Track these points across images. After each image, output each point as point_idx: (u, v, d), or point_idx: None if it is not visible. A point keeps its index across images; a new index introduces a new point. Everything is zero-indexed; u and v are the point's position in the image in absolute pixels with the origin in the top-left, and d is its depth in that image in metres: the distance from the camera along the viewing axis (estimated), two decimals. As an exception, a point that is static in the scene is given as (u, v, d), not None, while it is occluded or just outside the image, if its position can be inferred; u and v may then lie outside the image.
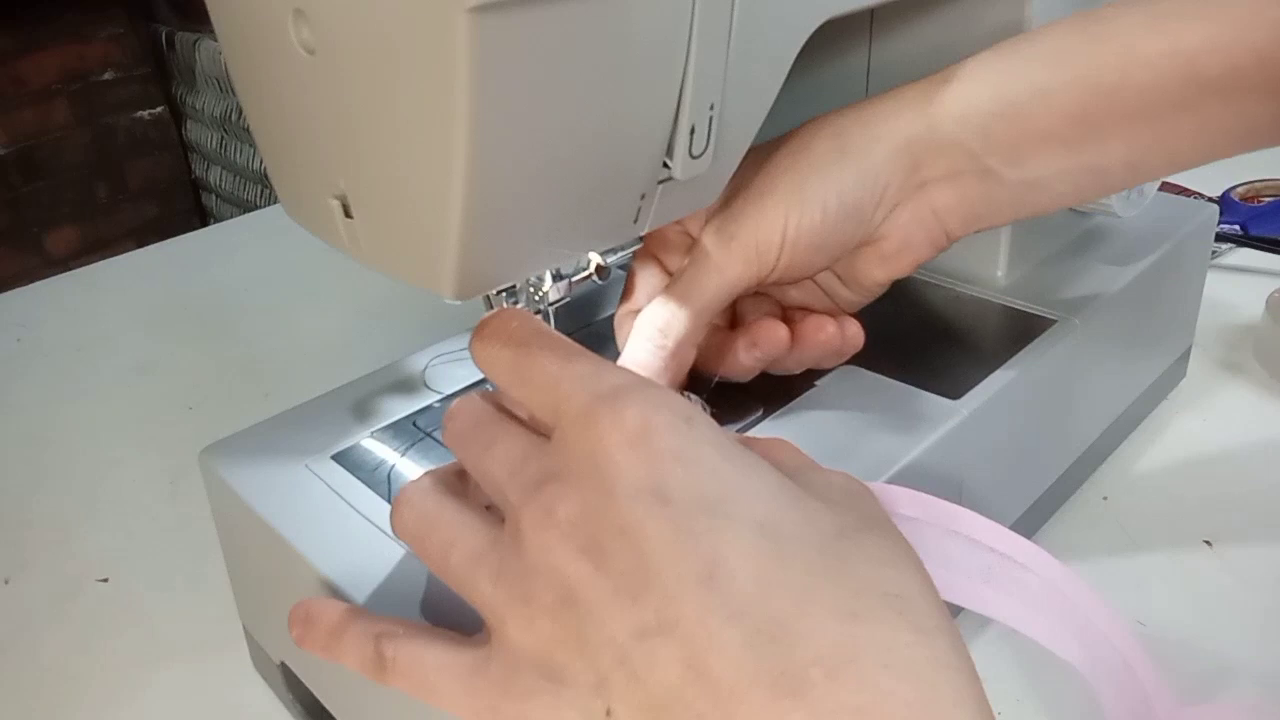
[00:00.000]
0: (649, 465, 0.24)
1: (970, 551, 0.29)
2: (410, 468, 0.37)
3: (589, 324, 0.46)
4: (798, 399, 0.39)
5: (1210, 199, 0.73)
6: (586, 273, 0.37)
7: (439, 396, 0.41)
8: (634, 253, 0.40)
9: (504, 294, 0.35)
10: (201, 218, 2.22)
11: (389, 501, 0.35)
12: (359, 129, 0.27)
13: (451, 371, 0.43)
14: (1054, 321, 0.43)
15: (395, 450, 0.38)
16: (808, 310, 0.40)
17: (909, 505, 0.29)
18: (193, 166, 2.18)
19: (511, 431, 0.27)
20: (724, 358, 0.39)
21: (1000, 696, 0.39)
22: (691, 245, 0.38)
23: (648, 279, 0.39)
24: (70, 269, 0.83)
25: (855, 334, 0.38)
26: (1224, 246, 0.70)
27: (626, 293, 0.39)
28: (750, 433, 0.37)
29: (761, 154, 0.36)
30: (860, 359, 0.40)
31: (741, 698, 0.21)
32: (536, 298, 0.36)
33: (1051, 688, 0.39)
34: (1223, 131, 0.34)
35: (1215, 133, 0.34)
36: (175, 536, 0.51)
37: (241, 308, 0.74)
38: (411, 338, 0.47)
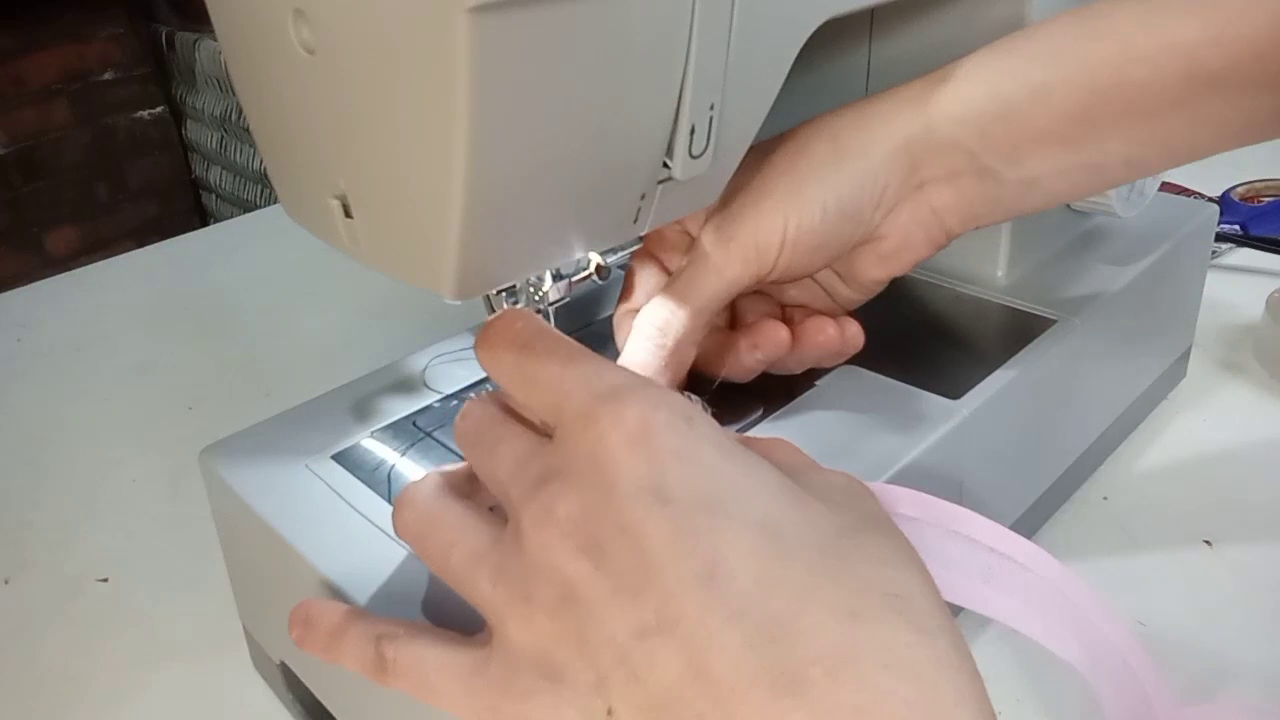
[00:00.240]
0: (649, 464, 0.24)
1: (970, 551, 0.29)
2: (410, 468, 0.37)
3: (589, 324, 0.46)
4: (798, 399, 0.39)
5: (1210, 199, 0.73)
6: (586, 273, 0.37)
7: (439, 396, 0.41)
8: (633, 252, 0.40)
9: (504, 294, 0.35)
10: (201, 218, 2.22)
11: (389, 501, 0.35)
12: (359, 129, 0.27)
13: (451, 371, 0.43)
14: (1054, 321, 0.43)
15: (395, 450, 0.38)
16: (806, 308, 0.40)
17: (909, 505, 0.29)
18: (193, 166, 2.18)
19: (516, 432, 0.27)
20: (724, 358, 0.39)
21: (1000, 696, 0.39)
22: (691, 245, 0.38)
23: (647, 278, 0.39)
24: (70, 269, 0.83)
25: (855, 334, 0.38)
26: (1224, 246, 0.69)
27: (625, 292, 0.39)
28: (750, 433, 0.37)
29: (760, 154, 0.36)
30: (860, 359, 0.40)
31: (742, 697, 0.21)
32: (536, 298, 0.36)
33: (1051, 688, 0.39)
34: (1220, 126, 0.34)
35: (1213, 128, 0.34)
36: (175, 536, 0.51)
37: (241, 308, 0.74)
38: (411, 338, 0.47)
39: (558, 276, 0.36)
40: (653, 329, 0.35)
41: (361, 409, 0.40)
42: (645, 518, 0.23)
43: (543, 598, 0.24)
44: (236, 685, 0.42)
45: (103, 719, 0.42)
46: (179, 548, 0.50)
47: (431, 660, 0.26)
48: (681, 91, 0.28)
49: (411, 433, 0.39)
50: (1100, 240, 0.49)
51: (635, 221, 0.31)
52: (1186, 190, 0.73)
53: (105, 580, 0.49)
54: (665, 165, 0.30)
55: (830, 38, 0.36)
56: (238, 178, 2.04)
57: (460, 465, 0.30)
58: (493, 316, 0.29)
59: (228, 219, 1.02)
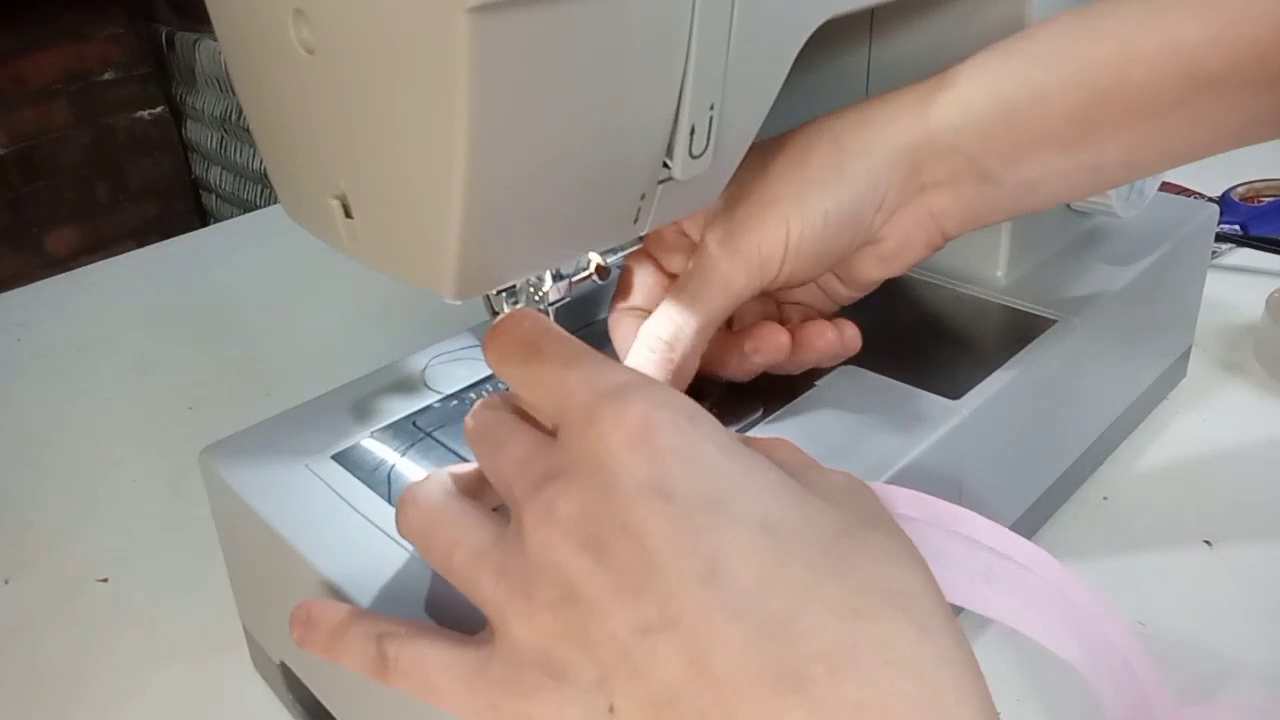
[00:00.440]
0: (651, 463, 0.24)
1: (971, 551, 0.29)
2: (410, 468, 0.37)
3: (589, 324, 0.46)
4: (798, 399, 0.39)
5: (1210, 199, 0.73)
6: (586, 273, 0.37)
7: (439, 396, 0.41)
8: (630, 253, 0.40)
9: (504, 294, 0.35)
10: (201, 218, 2.22)
11: (389, 501, 0.35)
12: (359, 129, 0.27)
13: (451, 371, 0.43)
14: (1054, 321, 0.43)
15: (395, 450, 0.38)
16: (801, 305, 0.40)
17: (909, 505, 0.29)
18: (193, 166, 2.18)
19: (523, 432, 0.27)
20: (724, 360, 0.39)
21: (1000, 696, 0.38)
22: (689, 246, 0.38)
23: (644, 277, 0.39)
24: (70, 269, 0.82)
25: (853, 337, 0.39)
26: (1224, 246, 0.70)
27: (623, 290, 0.39)
28: (750, 433, 0.37)
29: (761, 155, 0.36)
30: (860, 359, 0.40)
31: (743, 694, 0.21)
32: (536, 298, 0.36)
33: (1051, 687, 0.39)
34: (1219, 126, 0.34)
35: (1212, 128, 0.34)
36: (175, 536, 0.51)
37: (241, 308, 0.74)
38: (411, 338, 0.47)
39: (558, 276, 0.36)
40: (659, 342, 0.35)
41: (361, 409, 0.40)
42: (647, 516, 0.23)
43: (545, 596, 0.24)
44: (236, 685, 0.42)
45: (103, 719, 0.42)
46: (179, 548, 0.50)
47: (433, 659, 0.26)
48: (681, 91, 0.28)
49: (411, 433, 0.39)
50: (1100, 240, 0.49)
51: (635, 221, 0.31)
52: (1186, 190, 0.73)
53: (105, 580, 0.49)
54: (665, 165, 0.30)
55: (830, 38, 0.36)
56: (238, 178, 2.04)
57: (465, 466, 0.30)
58: (500, 317, 0.29)
59: (228, 219, 1.02)
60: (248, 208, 1.99)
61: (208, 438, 0.39)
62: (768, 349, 0.38)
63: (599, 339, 0.40)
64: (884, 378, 0.40)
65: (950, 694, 0.21)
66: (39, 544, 0.52)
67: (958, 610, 0.29)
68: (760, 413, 0.39)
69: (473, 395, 0.41)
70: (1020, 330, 0.43)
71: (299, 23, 0.26)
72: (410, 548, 0.32)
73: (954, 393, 0.38)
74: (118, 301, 0.76)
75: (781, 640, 0.21)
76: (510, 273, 0.30)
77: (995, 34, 0.37)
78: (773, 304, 0.41)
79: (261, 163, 1.42)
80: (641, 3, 0.26)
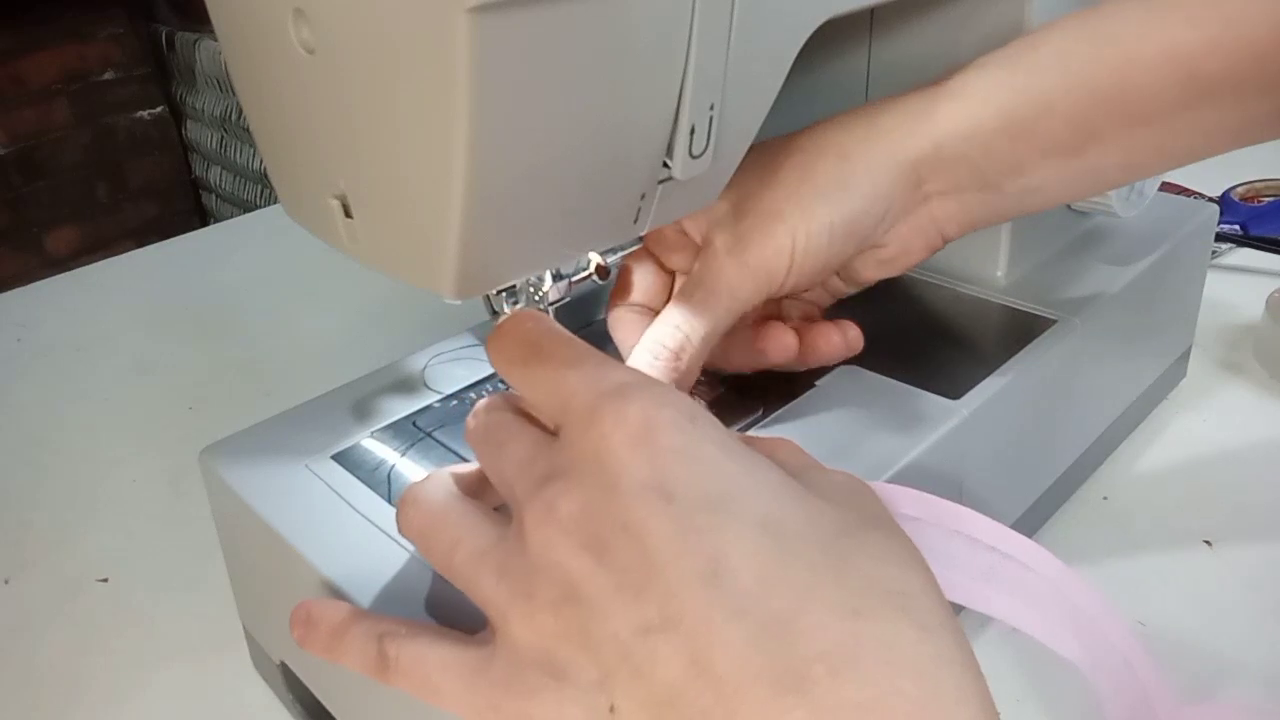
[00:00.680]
0: (652, 462, 0.24)
1: (972, 551, 0.29)
2: (410, 468, 0.37)
3: (589, 324, 0.46)
4: (798, 399, 0.39)
5: (1210, 199, 0.73)
6: (586, 273, 0.37)
7: (439, 396, 0.41)
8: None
9: (504, 294, 0.35)
10: (201, 218, 2.22)
11: (389, 501, 0.35)
12: (359, 129, 0.27)
13: (451, 371, 0.43)
14: (1054, 321, 0.43)
15: (395, 450, 0.38)
16: (799, 301, 0.41)
17: (911, 505, 0.29)
18: (193, 166, 2.18)
19: (524, 431, 0.27)
20: (727, 356, 0.39)
21: (1000, 695, 0.38)
22: (689, 243, 0.38)
23: (644, 273, 0.39)
24: (70, 269, 0.82)
25: (856, 338, 0.39)
26: (1224, 246, 0.70)
27: (622, 287, 0.39)
28: (750, 433, 0.37)
29: (766, 162, 0.36)
30: (860, 359, 0.40)
31: (744, 694, 0.21)
32: (536, 298, 0.36)
33: (1052, 687, 0.39)
34: (1218, 129, 0.35)
35: (1211, 131, 0.35)
36: (175, 536, 0.51)
37: (241, 308, 0.74)
38: (411, 338, 0.47)
39: (558, 276, 0.36)
40: (665, 350, 0.35)
41: (361, 409, 0.40)
42: (648, 516, 0.23)
43: (545, 595, 0.24)
44: (236, 685, 0.42)
45: (102, 719, 0.42)
46: (179, 548, 0.50)
47: (434, 659, 0.26)
48: (681, 91, 0.28)
49: (411, 433, 0.39)
50: (1100, 240, 0.49)
51: (635, 221, 0.31)
52: (1186, 190, 0.73)
53: (105, 580, 0.49)
54: (665, 165, 0.30)
55: (830, 38, 0.36)
56: (238, 178, 2.04)
57: (467, 466, 0.30)
58: (503, 318, 0.29)
59: (228, 219, 1.02)
60: (248, 208, 1.99)
61: (208, 438, 0.39)
62: (775, 350, 0.38)
63: (599, 339, 0.40)
64: (884, 378, 0.40)
65: (951, 694, 0.21)
66: (39, 544, 0.52)
67: (959, 609, 0.29)
68: (760, 413, 0.39)
69: (473, 395, 0.41)
70: (1020, 330, 0.43)
71: (299, 23, 0.26)
72: (410, 548, 0.32)
73: (954, 393, 0.38)
74: (118, 301, 0.76)
75: (782, 640, 0.21)
76: (510, 273, 0.30)
77: (995, 34, 0.37)
78: (774, 302, 0.41)
79: (261, 163, 1.42)
80: (641, 3, 0.26)
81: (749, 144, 0.33)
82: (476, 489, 0.29)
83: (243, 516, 0.36)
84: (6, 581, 0.49)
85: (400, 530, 0.28)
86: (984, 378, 0.39)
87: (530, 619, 0.24)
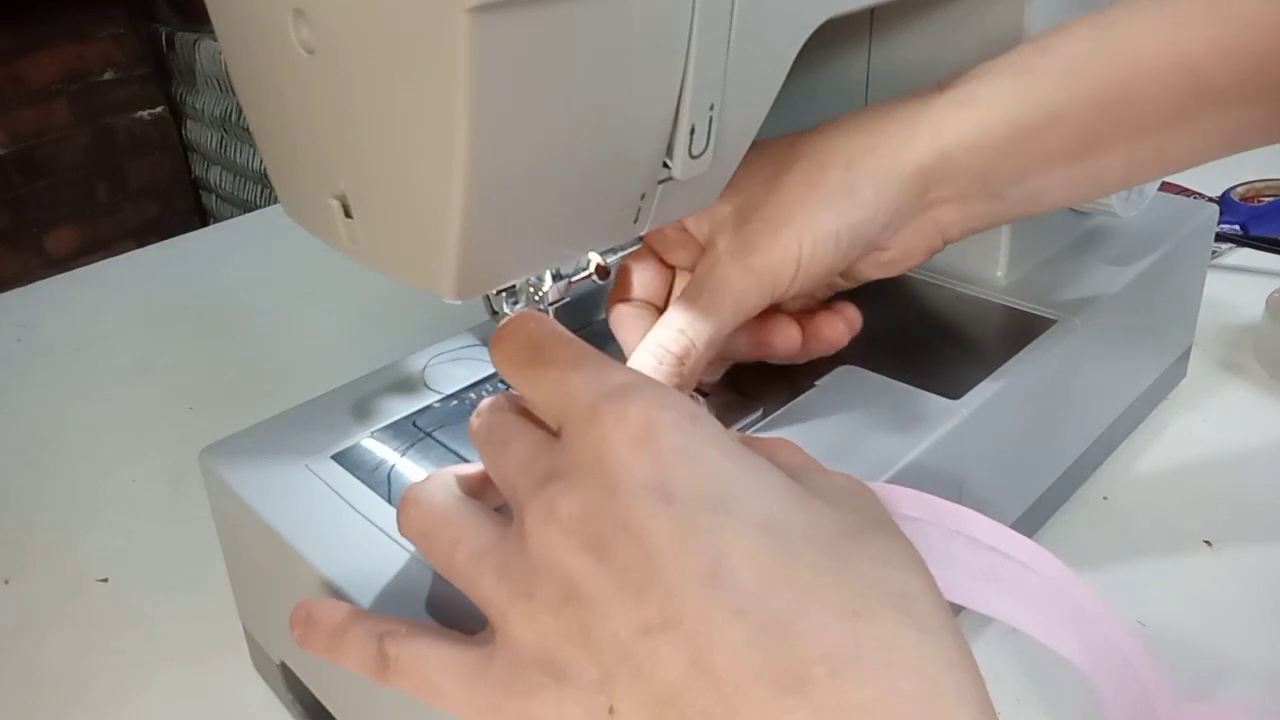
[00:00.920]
0: (652, 463, 0.24)
1: (972, 551, 0.29)
2: (410, 468, 0.37)
3: (589, 324, 0.46)
4: (798, 399, 0.39)
5: (1210, 199, 0.73)
6: (586, 273, 0.37)
7: (439, 396, 0.41)
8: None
9: (504, 294, 0.35)
10: (201, 218, 2.22)
11: (389, 501, 0.35)
12: (359, 129, 0.27)
13: (451, 371, 0.43)
14: (1054, 321, 0.43)
15: (395, 450, 0.38)
16: (799, 296, 0.41)
17: (911, 505, 0.29)
18: (193, 166, 2.18)
19: (526, 432, 0.27)
20: (730, 346, 0.39)
21: (1000, 696, 0.38)
22: (689, 241, 0.38)
23: (644, 270, 0.39)
24: (70, 269, 0.82)
25: (854, 318, 0.39)
26: (1224, 246, 0.70)
27: (623, 286, 0.39)
28: (750, 432, 0.37)
29: (771, 165, 0.36)
30: (860, 359, 0.40)
31: (745, 695, 0.21)
32: (536, 298, 0.36)
33: (1052, 687, 0.39)
34: (1218, 136, 0.35)
35: (1211, 138, 0.35)
36: (175, 536, 0.51)
37: (241, 308, 0.74)
38: (411, 338, 0.47)
39: (558, 276, 0.36)
40: (670, 355, 0.35)
41: (361, 409, 0.40)
42: (648, 516, 0.23)
43: (546, 595, 0.24)
44: (236, 685, 0.42)
45: (102, 719, 0.42)
46: (179, 548, 0.50)
47: (434, 658, 0.26)
48: (681, 91, 0.28)
49: (411, 433, 0.39)
50: (1100, 240, 0.49)
51: (635, 221, 0.31)
52: (1186, 190, 0.73)
53: (105, 580, 0.49)
54: (665, 165, 0.30)
55: (830, 38, 0.36)
56: (238, 178, 2.04)
57: (468, 466, 0.30)
58: (506, 319, 0.29)
59: (228, 219, 1.02)
60: (248, 208, 1.99)
61: (208, 438, 0.39)
62: (780, 342, 0.38)
63: (599, 339, 0.40)
64: (884, 378, 0.40)
65: (951, 695, 0.21)
66: (39, 544, 0.52)
67: (959, 610, 0.29)
68: (760, 413, 0.39)
69: (472, 395, 0.41)
70: (1020, 330, 0.43)
71: (299, 23, 0.26)
72: (410, 547, 0.32)
73: (954, 393, 0.38)
74: (118, 301, 0.76)
75: (783, 640, 0.21)
76: (510, 273, 0.30)
77: (994, 35, 0.37)
78: None
79: (261, 163, 1.42)
80: (641, 3, 0.26)
81: (749, 144, 0.33)
82: (477, 489, 0.29)
83: (243, 516, 0.36)
84: (6, 581, 0.49)
85: (401, 530, 0.28)
86: (984, 378, 0.39)
87: (531, 619, 0.24)
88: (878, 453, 0.36)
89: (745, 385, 0.40)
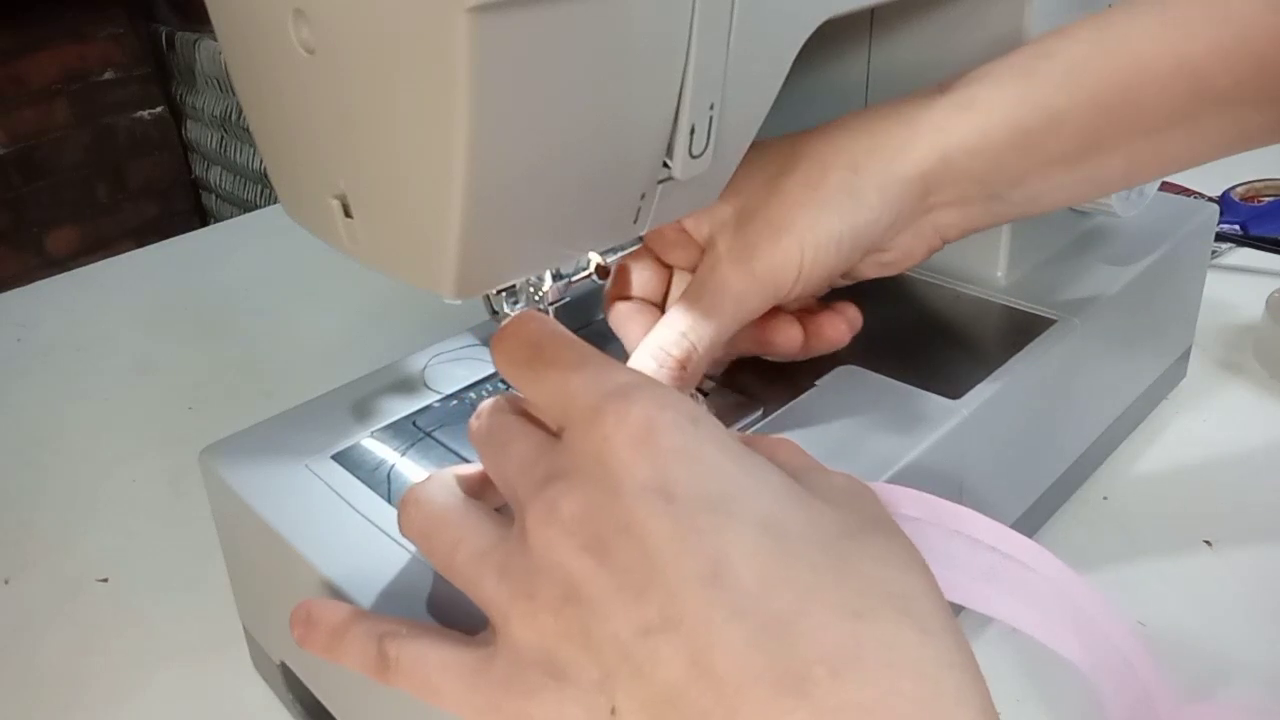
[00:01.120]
0: (653, 463, 0.24)
1: (972, 551, 0.29)
2: (410, 468, 0.37)
3: (589, 324, 0.46)
4: (798, 399, 0.39)
5: (1210, 199, 0.73)
6: (586, 273, 0.37)
7: (439, 396, 0.41)
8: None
9: (504, 294, 0.35)
10: (201, 218, 2.22)
11: (389, 501, 0.35)
12: (359, 129, 0.27)
13: (451, 371, 0.43)
14: (1054, 321, 0.43)
15: (395, 450, 0.38)
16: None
17: (911, 505, 0.29)
18: (193, 166, 2.18)
19: (527, 432, 0.27)
20: (731, 344, 0.39)
21: (1001, 696, 0.38)
22: (688, 241, 0.38)
23: (643, 268, 0.39)
24: (70, 269, 0.82)
25: (855, 317, 0.39)
26: (1224, 246, 0.70)
27: (621, 285, 0.39)
28: (750, 433, 0.37)
29: (772, 167, 0.36)
30: (860, 359, 0.40)
31: (745, 695, 0.21)
32: (536, 298, 0.36)
33: (1052, 687, 0.39)
34: (1218, 137, 0.35)
35: (1211, 139, 0.35)
36: (175, 536, 0.51)
37: (241, 308, 0.74)
38: (411, 338, 0.47)
39: (558, 276, 0.36)
40: (670, 358, 0.35)
41: (361, 409, 0.40)
42: (649, 516, 0.23)
43: (546, 595, 0.24)
44: (236, 685, 0.42)
45: (102, 719, 0.42)
46: (179, 548, 0.50)
47: (434, 659, 0.26)
48: (681, 91, 0.28)
49: (411, 433, 0.39)
50: (1100, 240, 0.49)
51: (635, 221, 0.31)
52: (1186, 190, 0.73)
53: (105, 580, 0.49)
54: (665, 165, 0.30)
55: (830, 38, 0.36)
56: (238, 178, 2.04)
57: (468, 466, 0.30)
58: (507, 320, 0.29)
59: (228, 219, 1.02)
60: (248, 208, 1.99)
61: (208, 438, 0.39)
62: (782, 341, 0.38)
63: (599, 339, 0.40)
64: (884, 378, 0.40)
65: (951, 695, 0.21)
66: (39, 544, 0.52)
67: (959, 610, 0.29)
68: (760, 413, 0.39)
69: (472, 395, 0.41)
70: (1020, 330, 0.43)
71: (299, 23, 0.26)
72: (411, 548, 0.32)
73: (954, 393, 0.38)
74: (118, 301, 0.76)
75: (783, 641, 0.21)
76: (510, 273, 0.30)
77: (994, 35, 0.37)
78: None
79: (261, 163, 1.42)
80: (641, 3, 0.26)
81: (749, 144, 0.33)
82: (478, 489, 0.29)
83: (243, 516, 0.36)
84: (6, 581, 0.49)
85: (401, 530, 0.28)
86: (984, 378, 0.39)
87: (531, 619, 0.24)
88: (878, 453, 0.36)
89: (745, 385, 0.40)
